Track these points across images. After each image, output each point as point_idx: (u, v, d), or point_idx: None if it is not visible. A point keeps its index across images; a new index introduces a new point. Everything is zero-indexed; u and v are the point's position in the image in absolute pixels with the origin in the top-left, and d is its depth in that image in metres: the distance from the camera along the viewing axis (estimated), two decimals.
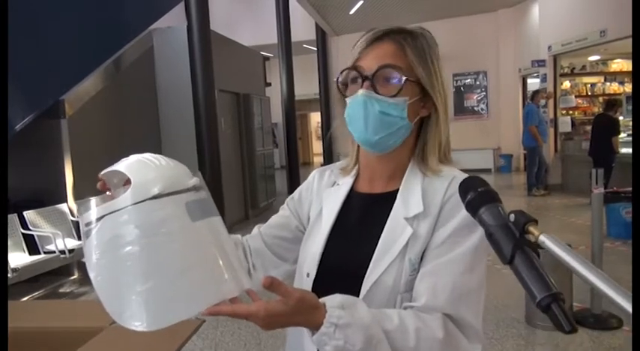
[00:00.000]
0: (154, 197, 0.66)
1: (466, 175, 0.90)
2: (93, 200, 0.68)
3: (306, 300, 0.69)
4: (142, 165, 0.70)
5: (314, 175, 1.06)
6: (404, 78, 0.86)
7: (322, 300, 0.71)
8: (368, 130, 0.87)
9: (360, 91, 0.86)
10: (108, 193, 0.74)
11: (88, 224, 0.66)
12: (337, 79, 0.90)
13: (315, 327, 0.69)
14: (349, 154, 0.99)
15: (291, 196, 1.07)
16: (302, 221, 1.03)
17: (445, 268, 0.81)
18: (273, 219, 1.06)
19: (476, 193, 0.65)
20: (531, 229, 0.56)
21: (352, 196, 0.97)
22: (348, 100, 0.89)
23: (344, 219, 0.94)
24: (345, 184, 0.98)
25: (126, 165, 0.71)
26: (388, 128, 0.87)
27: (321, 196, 1.00)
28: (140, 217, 0.65)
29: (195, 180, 0.71)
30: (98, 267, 0.66)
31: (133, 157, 0.73)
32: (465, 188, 0.67)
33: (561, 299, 0.51)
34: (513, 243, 0.56)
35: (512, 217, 0.59)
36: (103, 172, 0.74)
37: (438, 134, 0.91)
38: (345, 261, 0.90)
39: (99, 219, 0.66)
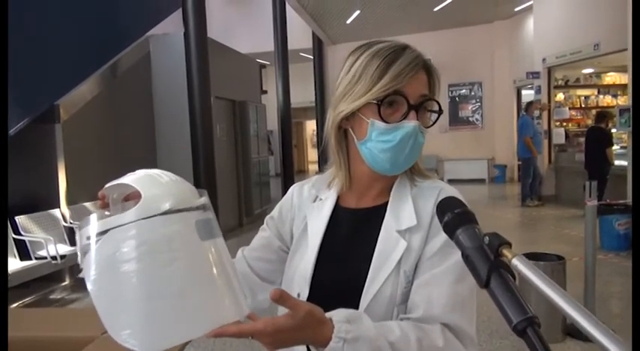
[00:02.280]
0: (164, 213, 0.64)
1: (451, 187, 0.91)
2: (94, 215, 0.66)
3: (314, 314, 0.68)
4: (151, 179, 0.68)
5: (292, 191, 1.03)
6: (440, 111, 0.89)
7: (328, 315, 0.70)
8: (407, 159, 0.87)
9: (414, 123, 0.85)
10: (106, 212, 0.72)
11: (88, 238, 0.64)
12: (380, 101, 0.84)
13: (321, 342, 0.69)
14: (337, 167, 0.95)
15: (270, 215, 1.04)
16: (284, 240, 1.01)
17: (439, 278, 0.82)
18: (255, 241, 1.04)
19: (453, 215, 0.64)
20: (505, 252, 0.56)
21: (338, 211, 0.95)
22: (386, 125, 0.85)
23: (332, 235, 0.93)
24: (329, 199, 0.96)
25: (134, 179, 0.69)
26: (417, 157, 0.90)
27: (304, 212, 0.98)
28: (148, 232, 0.63)
29: (203, 199, 0.70)
30: (99, 282, 0.64)
31: (141, 172, 0.70)
32: (442, 209, 0.67)
33: (537, 323, 0.50)
34: (488, 266, 0.56)
35: (486, 239, 0.58)
36: (106, 186, 0.72)
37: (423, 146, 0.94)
38: (338, 278, 0.89)
39: (102, 233, 0.63)
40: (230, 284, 0.67)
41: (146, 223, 0.63)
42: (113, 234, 0.63)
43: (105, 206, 0.73)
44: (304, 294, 0.89)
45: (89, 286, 0.64)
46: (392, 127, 0.85)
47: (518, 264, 0.54)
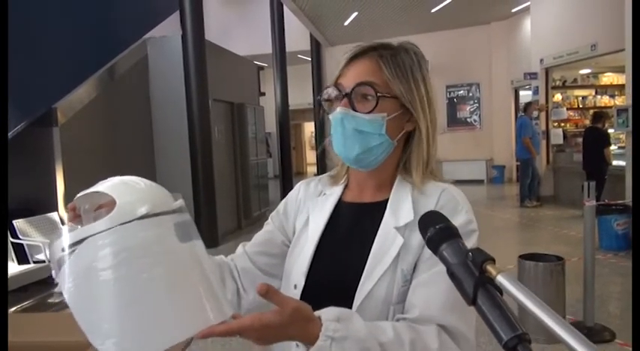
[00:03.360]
0: (141, 217, 0.62)
1: (455, 188, 0.91)
2: (66, 227, 0.65)
3: (302, 311, 0.67)
4: (125, 186, 0.67)
5: (299, 187, 1.04)
6: (378, 94, 0.86)
7: (317, 313, 0.70)
8: (346, 147, 0.88)
9: (338, 109, 0.88)
10: (79, 226, 0.70)
11: (63, 250, 0.62)
12: (320, 97, 0.92)
13: (309, 340, 0.68)
14: (339, 165, 1.00)
15: (275, 210, 1.05)
16: (288, 235, 1.01)
17: (438, 279, 0.80)
18: (258, 236, 1.04)
19: (435, 230, 0.64)
20: (489, 268, 0.55)
21: (340, 206, 0.96)
22: (330, 117, 0.90)
23: (332, 229, 0.93)
24: (333, 194, 0.97)
25: (107, 186, 0.67)
26: (365, 145, 0.88)
27: (308, 206, 0.99)
28: (127, 238, 0.61)
29: (179, 202, 0.69)
30: (77, 293, 0.62)
31: (114, 179, 0.69)
32: (424, 224, 0.66)
33: (527, 340, 0.50)
34: (474, 282, 0.55)
35: (470, 255, 0.58)
36: (78, 196, 0.71)
37: (421, 149, 0.91)
38: (335, 272, 0.89)
39: (77, 243, 0.61)
40: (211, 286, 0.67)
41: (124, 228, 0.61)
42: (90, 242, 0.61)
43: (75, 218, 0.72)
44: (300, 286, 0.89)
45: (67, 298, 0.62)
46: (332, 118, 0.90)
47: (503, 281, 0.53)
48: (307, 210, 0.98)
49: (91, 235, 0.61)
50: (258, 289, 0.64)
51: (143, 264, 0.62)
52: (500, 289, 0.54)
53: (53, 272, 0.64)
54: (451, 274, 0.59)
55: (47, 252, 4.28)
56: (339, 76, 0.90)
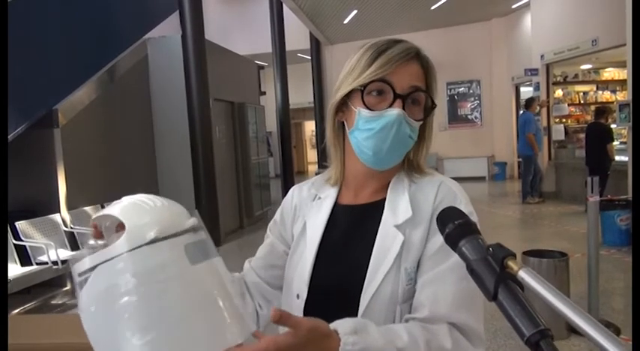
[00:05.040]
0: (151, 242, 0.62)
1: (452, 181, 0.90)
2: (84, 251, 0.64)
3: (318, 329, 0.66)
4: (135, 208, 0.66)
5: (292, 193, 1.02)
6: (433, 106, 0.87)
7: (333, 326, 0.68)
8: (390, 149, 0.85)
9: (397, 110, 0.83)
10: (99, 241, 0.70)
11: (80, 275, 0.62)
12: (364, 87, 0.84)
13: None
14: (333, 164, 0.96)
15: (272, 220, 1.03)
16: (288, 244, 0.99)
17: (444, 276, 0.80)
18: (261, 250, 1.02)
19: (454, 226, 0.63)
20: (510, 263, 0.54)
21: (336, 209, 0.94)
22: (369, 112, 0.84)
23: (331, 233, 0.92)
24: (328, 198, 0.95)
25: (118, 208, 0.66)
26: (404, 149, 0.88)
27: (303, 212, 0.97)
28: (136, 264, 0.61)
29: (192, 220, 0.67)
30: (93, 320, 0.62)
31: (126, 200, 0.68)
32: (442, 220, 0.65)
33: (549, 335, 0.49)
34: (495, 278, 0.55)
35: (490, 250, 0.57)
36: (94, 216, 0.71)
37: (427, 149, 0.93)
38: (338, 276, 0.87)
39: (92, 268, 0.61)
40: (230, 304, 0.65)
41: (133, 254, 0.61)
42: (102, 269, 0.61)
43: (99, 235, 0.71)
44: (303, 295, 0.88)
45: (85, 326, 0.62)
46: (376, 115, 0.84)
47: (525, 276, 0.53)
48: (303, 216, 0.96)
49: (102, 262, 0.61)
50: (271, 316, 0.62)
51: (154, 289, 0.61)
52: (520, 285, 0.54)
53: (76, 293, 0.64)
54: (471, 270, 0.58)
55: (50, 253, 4.28)
56: (388, 72, 0.83)
